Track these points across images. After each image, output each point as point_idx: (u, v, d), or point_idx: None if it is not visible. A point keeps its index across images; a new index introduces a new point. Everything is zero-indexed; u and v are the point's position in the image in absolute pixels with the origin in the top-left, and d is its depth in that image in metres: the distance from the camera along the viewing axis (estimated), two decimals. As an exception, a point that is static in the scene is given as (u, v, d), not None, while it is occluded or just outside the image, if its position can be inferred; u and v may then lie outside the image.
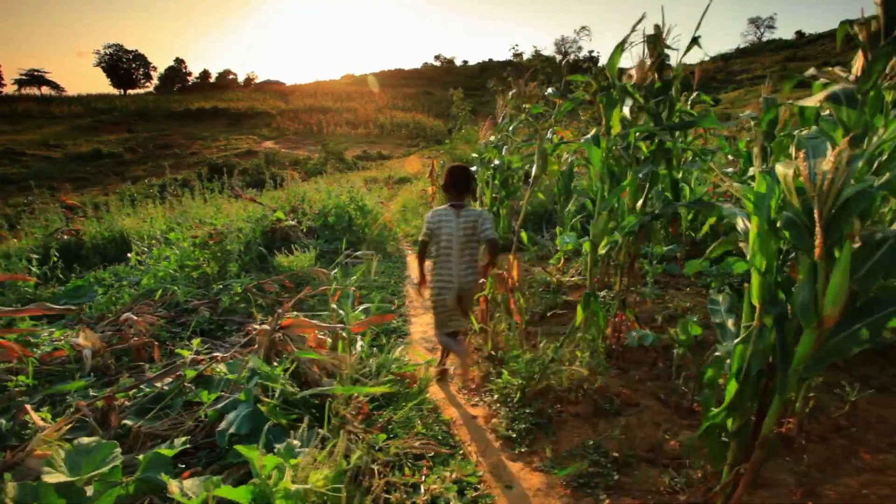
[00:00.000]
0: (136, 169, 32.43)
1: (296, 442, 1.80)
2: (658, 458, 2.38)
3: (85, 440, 1.80)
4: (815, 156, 1.19)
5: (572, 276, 4.94)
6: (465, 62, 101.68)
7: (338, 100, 58.60)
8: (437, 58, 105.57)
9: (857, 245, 1.23)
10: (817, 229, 1.09)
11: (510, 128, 3.57)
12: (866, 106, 1.45)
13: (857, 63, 1.73)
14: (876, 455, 2.34)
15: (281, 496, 1.34)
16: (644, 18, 2.40)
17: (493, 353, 3.45)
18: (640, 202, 2.68)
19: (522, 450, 2.49)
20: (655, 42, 2.65)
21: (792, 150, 1.55)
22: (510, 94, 3.50)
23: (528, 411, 2.73)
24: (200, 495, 1.71)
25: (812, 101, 1.52)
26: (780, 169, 1.22)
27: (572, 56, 78.02)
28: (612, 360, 3.25)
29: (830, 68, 1.74)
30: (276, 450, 1.74)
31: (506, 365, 3.15)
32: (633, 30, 2.39)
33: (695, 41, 2.92)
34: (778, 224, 1.23)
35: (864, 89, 1.46)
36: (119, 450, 1.80)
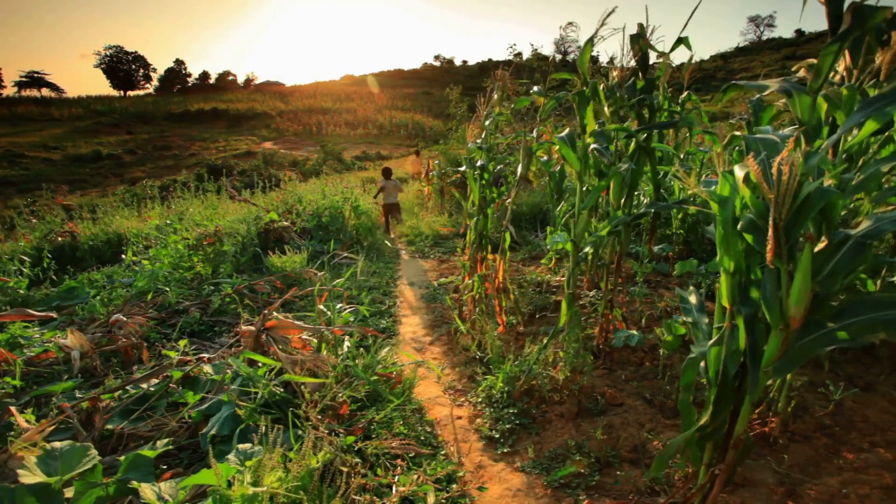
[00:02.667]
0: (135, 170, 32.50)
1: (251, 446, 1.80)
2: (640, 458, 2.38)
3: (57, 444, 1.80)
4: (770, 156, 1.19)
5: (563, 277, 4.94)
6: (465, 62, 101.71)
7: (337, 100, 58.54)
8: (436, 58, 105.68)
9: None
10: (770, 231, 1.09)
11: (485, 122, 3.54)
12: (815, 104, 1.44)
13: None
14: (858, 454, 2.34)
15: (240, 501, 1.34)
16: (614, 11, 2.39)
17: (479, 354, 3.44)
18: (622, 201, 2.68)
19: (505, 450, 2.49)
20: (638, 41, 2.64)
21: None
22: (494, 91, 3.48)
23: (512, 412, 2.73)
24: (177, 497, 1.72)
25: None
26: (737, 170, 1.22)
27: (571, 56, 77.97)
28: (600, 360, 3.24)
29: (799, 64, 1.73)
30: (228, 456, 1.74)
31: (491, 366, 3.15)
32: (603, 23, 2.37)
33: (680, 41, 2.91)
34: (739, 226, 1.23)
35: (815, 87, 1.45)
36: (95, 452, 1.80)
